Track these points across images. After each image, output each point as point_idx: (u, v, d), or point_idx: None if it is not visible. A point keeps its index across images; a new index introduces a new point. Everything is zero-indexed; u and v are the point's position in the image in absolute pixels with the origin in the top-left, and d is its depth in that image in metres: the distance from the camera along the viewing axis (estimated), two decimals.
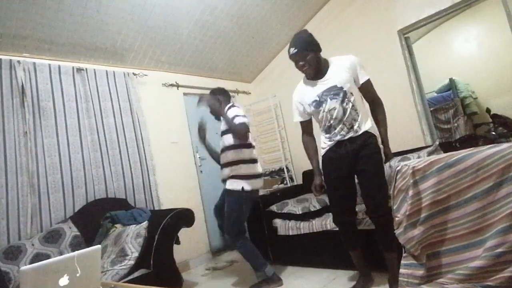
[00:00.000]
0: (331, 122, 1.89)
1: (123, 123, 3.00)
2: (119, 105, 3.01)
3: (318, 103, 1.90)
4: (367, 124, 1.88)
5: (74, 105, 2.71)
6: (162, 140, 3.34)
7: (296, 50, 1.85)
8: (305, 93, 1.98)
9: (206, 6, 3.00)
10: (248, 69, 4.34)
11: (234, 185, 2.34)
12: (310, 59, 1.85)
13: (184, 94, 3.74)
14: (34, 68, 2.53)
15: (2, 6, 2.17)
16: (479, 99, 4.69)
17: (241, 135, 2.32)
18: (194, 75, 3.87)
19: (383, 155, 1.88)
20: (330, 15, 3.66)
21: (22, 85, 2.41)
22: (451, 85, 4.53)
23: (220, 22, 3.27)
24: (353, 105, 1.85)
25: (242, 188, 2.31)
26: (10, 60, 2.42)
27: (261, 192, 4.05)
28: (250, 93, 4.56)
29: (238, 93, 4.37)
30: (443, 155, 1.18)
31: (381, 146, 1.88)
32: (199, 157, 3.67)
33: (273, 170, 4.17)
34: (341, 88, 1.84)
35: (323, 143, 1.99)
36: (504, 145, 1.05)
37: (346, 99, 1.84)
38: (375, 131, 1.91)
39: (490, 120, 3.47)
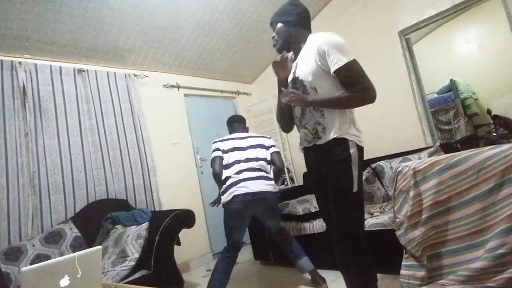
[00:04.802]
0: (296, 121, 1.58)
1: (124, 124, 3.00)
2: (120, 106, 3.01)
3: None
4: (336, 129, 1.39)
5: (75, 106, 2.72)
6: (163, 141, 3.35)
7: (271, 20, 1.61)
8: None
9: (207, 8, 3.00)
10: (249, 70, 4.35)
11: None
12: (278, 31, 1.56)
13: (185, 95, 3.74)
14: (35, 69, 2.54)
15: (3, 7, 2.18)
16: (480, 100, 4.69)
17: None
18: (195, 76, 3.88)
19: (354, 165, 1.38)
20: (330, 16, 3.66)
21: (23, 86, 2.42)
22: (452, 86, 4.53)
23: (221, 23, 3.28)
24: None
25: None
26: (12, 61, 2.43)
27: None
28: (250, 94, 4.56)
29: (238, 94, 4.38)
30: (444, 156, 1.18)
31: (351, 150, 1.38)
32: (199, 158, 3.67)
33: None
34: (301, 81, 1.47)
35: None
36: (505, 146, 1.05)
37: None
38: (348, 133, 1.40)
39: (491, 121, 3.46)
